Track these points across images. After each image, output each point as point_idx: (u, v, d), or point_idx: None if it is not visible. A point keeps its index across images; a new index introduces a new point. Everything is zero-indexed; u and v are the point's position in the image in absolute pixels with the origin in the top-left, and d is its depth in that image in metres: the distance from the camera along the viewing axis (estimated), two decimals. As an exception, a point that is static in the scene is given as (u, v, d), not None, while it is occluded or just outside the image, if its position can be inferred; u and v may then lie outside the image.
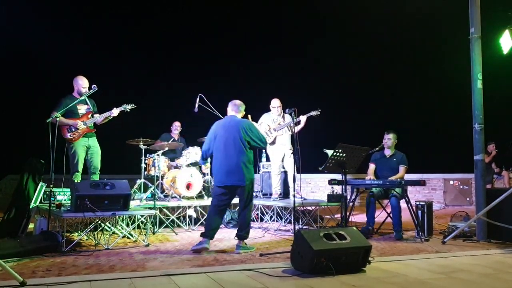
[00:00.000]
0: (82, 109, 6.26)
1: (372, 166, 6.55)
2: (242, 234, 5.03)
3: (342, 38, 12.65)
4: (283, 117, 7.33)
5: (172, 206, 6.84)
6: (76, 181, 5.88)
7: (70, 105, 5.98)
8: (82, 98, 6.18)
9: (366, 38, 12.59)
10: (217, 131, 5.21)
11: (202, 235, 5.01)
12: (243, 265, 4.25)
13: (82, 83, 6.20)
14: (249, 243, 5.17)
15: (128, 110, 6.44)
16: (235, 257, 4.69)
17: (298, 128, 7.03)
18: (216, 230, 5.10)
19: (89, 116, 6.27)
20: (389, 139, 6.42)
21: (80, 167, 6.19)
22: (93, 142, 6.33)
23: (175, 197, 7.23)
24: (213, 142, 5.20)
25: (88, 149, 6.26)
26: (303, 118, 7.05)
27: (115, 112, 6.32)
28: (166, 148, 7.56)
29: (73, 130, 6.12)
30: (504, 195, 5.40)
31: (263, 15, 12.72)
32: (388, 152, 6.49)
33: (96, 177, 6.27)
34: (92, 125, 6.28)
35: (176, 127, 8.52)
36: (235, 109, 5.34)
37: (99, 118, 6.28)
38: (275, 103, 7.36)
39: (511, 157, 10.40)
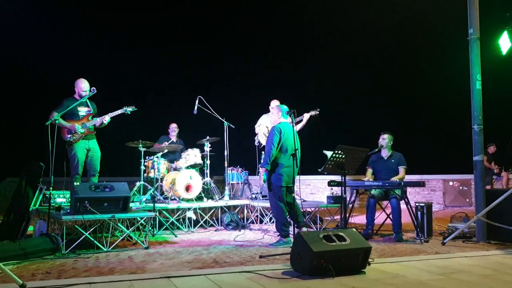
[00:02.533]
0: (82, 111, 6.33)
1: (369, 170, 6.55)
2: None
3: (341, 40, 12.67)
4: (282, 118, 7.32)
5: (171, 208, 6.84)
6: (76, 184, 5.88)
7: (71, 107, 6.06)
8: (83, 100, 6.23)
9: (365, 39, 12.61)
10: (285, 135, 5.60)
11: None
12: (242, 267, 4.25)
13: (83, 86, 6.27)
14: (248, 244, 5.17)
15: (129, 113, 6.50)
16: (235, 259, 4.69)
17: (299, 126, 7.05)
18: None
19: (89, 118, 6.33)
20: (383, 139, 6.42)
21: (80, 170, 6.26)
22: (93, 144, 6.39)
23: (174, 199, 7.23)
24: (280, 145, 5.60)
25: (88, 152, 6.33)
26: (306, 116, 7.06)
27: (107, 118, 6.37)
28: (166, 150, 7.56)
29: (73, 132, 6.18)
30: (504, 196, 5.39)
31: (262, 17, 12.73)
32: (385, 154, 6.49)
33: (95, 180, 6.31)
34: (92, 127, 6.33)
35: (173, 128, 8.52)
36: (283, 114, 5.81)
37: (98, 120, 6.33)
38: (275, 102, 7.36)
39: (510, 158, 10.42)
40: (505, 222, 5.38)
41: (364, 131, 10.68)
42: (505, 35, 6.44)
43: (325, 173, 5.55)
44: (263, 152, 7.91)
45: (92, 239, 5.29)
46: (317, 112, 7.13)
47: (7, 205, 5.49)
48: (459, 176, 11.28)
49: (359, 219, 7.41)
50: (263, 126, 7.35)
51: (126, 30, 11.41)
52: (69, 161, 6.23)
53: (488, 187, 9.74)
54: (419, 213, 6.04)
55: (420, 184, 6.25)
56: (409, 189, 7.47)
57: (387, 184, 5.98)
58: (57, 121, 5.74)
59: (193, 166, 7.54)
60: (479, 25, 6.03)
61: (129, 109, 6.47)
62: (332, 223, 6.97)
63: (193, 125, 8.77)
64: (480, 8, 6.04)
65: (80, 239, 5.11)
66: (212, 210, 7.30)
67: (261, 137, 7.38)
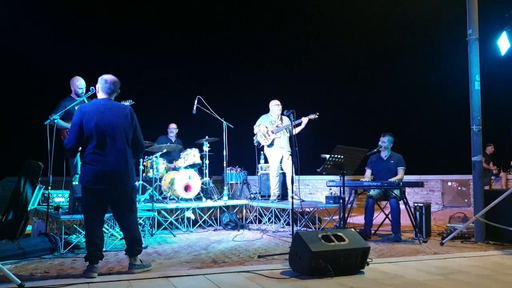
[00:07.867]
0: None
1: (368, 172, 6.55)
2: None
3: (339, 40, 12.68)
4: (281, 119, 7.34)
5: (170, 208, 6.84)
6: (74, 183, 5.87)
7: (69, 107, 5.99)
8: (81, 99, 6.18)
9: (363, 40, 12.61)
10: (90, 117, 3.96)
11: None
12: (241, 267, 4.25)
13: (78, 84, 6.21)
14: (248, 244, 5.16)
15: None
16: (233, 259, 4.69)
17: (298, 129, 7.04)
18: None
19: None
20: (383, 142, 6.41)
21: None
22: None
23: (173, 199, 7.23)
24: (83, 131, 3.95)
25: None
26: (304, 120, 7.05)
27: None
28: (164, 150, 7.56)
29: None
30: (502, 196, 5.40)
31: (262, 18, 12.74)
32: (384, 154, 6.49)
33: None
34: None
35: (172, 129, 8.54)
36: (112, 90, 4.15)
37: None
38: (275, 103, 7.39)
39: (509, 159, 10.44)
40: (504, 223, 5.38)
41: (363, 132, 10.68)
42: (504, 36, 6.44)
43: (324, 173, 5.56)
44: (262, 152, 7.94)
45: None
46: (316, 116, 7.11)
47: (5, 204, 5.49)
48: (458, 176, 11.28)
49: (358, 219, 7.41)
50: (262, 127, 7.35)
51: (125, 30, 11.40)
52: (69, 160, 6.20)
53: (486, 187, 9.75)
54: (417, 213, 6.05)
55: (419, 184, 6.25)
56: (407, 190, 7.48)
57: (385, 184, 5.98)
58: (55, 121, 5.72)
59: (192, 166, 7.54)
60: (478, 25, 6.04)
61: (126, 103, 6.42)
62: (330, 223, 6.97)
63: (192, 125, 8.78)
64: (479, 9, 6.05)
65: (79, 238, 5.11)
66: (211, 210, 7.30)
67: (260, 137, 7.38)
